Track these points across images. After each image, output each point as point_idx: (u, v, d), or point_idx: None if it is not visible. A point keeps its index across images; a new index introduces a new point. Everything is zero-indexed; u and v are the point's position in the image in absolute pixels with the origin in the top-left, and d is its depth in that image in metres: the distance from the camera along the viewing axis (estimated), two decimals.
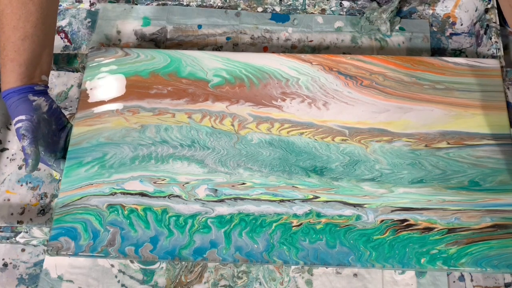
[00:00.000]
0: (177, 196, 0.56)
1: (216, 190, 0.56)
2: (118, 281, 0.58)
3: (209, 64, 0.63)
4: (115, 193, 0.56)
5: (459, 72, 0.62)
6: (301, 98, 0.61)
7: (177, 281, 0.58)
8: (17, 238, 0.57)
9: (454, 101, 0.61)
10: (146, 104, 0.61)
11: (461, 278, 0.58)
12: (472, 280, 0.58)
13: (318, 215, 0.55)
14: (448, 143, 0.58)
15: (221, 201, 0.56)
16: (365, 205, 0.55)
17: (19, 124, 0.52)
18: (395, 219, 0.54)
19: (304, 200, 0.55)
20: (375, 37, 0.73)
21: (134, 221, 0.54)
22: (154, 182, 0.56)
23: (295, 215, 0.55)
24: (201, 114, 0.60)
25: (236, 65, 0.63)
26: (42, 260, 0.60)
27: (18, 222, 0.63)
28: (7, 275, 0.60)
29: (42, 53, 0.55)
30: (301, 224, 0.54)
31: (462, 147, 0.58)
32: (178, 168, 0.57)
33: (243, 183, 0.56)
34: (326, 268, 0.58)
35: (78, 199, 0.55)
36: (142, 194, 0.56)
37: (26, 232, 0.57)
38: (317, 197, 0.56)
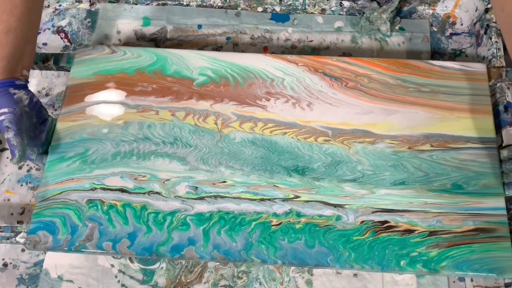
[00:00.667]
0: (157, 193, 0.55)
1: (197, 187, 0.56)
2: (118, 281, 0.58)
3: (195, 63, 0.63)
4: (95, 188, 0.56)
5: (445, 76, 0.62)
6: (285, 98, 0.61)
7: (177, 281, 0.58)
8: (17, 238, 0.56)
9: (439, 104, 0.60)
10: (130, 101, 0.61)
11: (461, 278, 0.58)
12: (472, 280, 0.58)
13: (298, 214, 0.54)
14: (432, 146, 0.58)
15: (201, 198, 0.55)
16: (345, 206, 0.55)
17: (2, 117, 0.52)
18: (376, 221, 0.54)
19: (285, 200, 0.55)
20: (375, 37, 0.73)
21: (113, 216, 0.54)
22: (135, 179, 0.56)
23: (275, 214, 0.54)
24: (184, 112, 0.60)
25: (221, 64, 0.63)
26: (42, 260, 0.60)
27: (18, 222, 0.63)
28: (7, 275, 0.60)
29: (25, 47, 0.55)
30: (280, 223, 0.54)
31: (446, 150, 0.57)
32: (159, 165, 0.57)
33: (224, 181, 0.56)
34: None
35: (58, 194, 0.55)
36: (122, 190, 0.56)
37: (26, 232, 0.56)
38: (297, 197, 0.55)
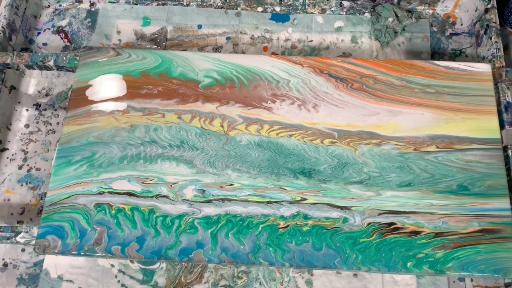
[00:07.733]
0: (164, 196, 0.56)
1: (204, 191, 0.56)
2: (118, 281, 0.59)
3: (200, 65, 0.63)
4: (103, 192, 0.56)
5: (450, 76, 0.62)
6: (291, 100, 0.61)
7: (177, 281, 0.58)
8: (17, 238, 0.57)
9: (445, 105, 0.60)
10: (136, 104, 0.61)
11: (461, 278, 0.58)
12: (472, 280, 0.58)
13: (305, 217, 0.55)
14: (437, 147, 0.58)
15: (209, 201, 0.56)
16: (352, 208, 0.55)
17: None
18: (382, 222, 0.54)
19: (292, 202, 0.55)
20: (375, 37, 0.73)
21: (121, 220, 0.54)
22: (142, 182, 0.56)
23: (282, 217, 0.55)
24: (191, 114, 0.60)
25: (227, 66, 0.63)
26: (42, 260, 0.60)
27: (18, 222, 0.63)
28: (7, 275, 0.60)
29: None
30: (288, 226, 0.54)
31: (451, 151, 0.58)
32: (167, 169, 0.57)
33: (231, 184, 0.56)
34: None
35: (66, 198, 0.55)
36: (130, 194, 0.56)
37: (26, 232, 0.57)
38: (304, 199, 0.55)
